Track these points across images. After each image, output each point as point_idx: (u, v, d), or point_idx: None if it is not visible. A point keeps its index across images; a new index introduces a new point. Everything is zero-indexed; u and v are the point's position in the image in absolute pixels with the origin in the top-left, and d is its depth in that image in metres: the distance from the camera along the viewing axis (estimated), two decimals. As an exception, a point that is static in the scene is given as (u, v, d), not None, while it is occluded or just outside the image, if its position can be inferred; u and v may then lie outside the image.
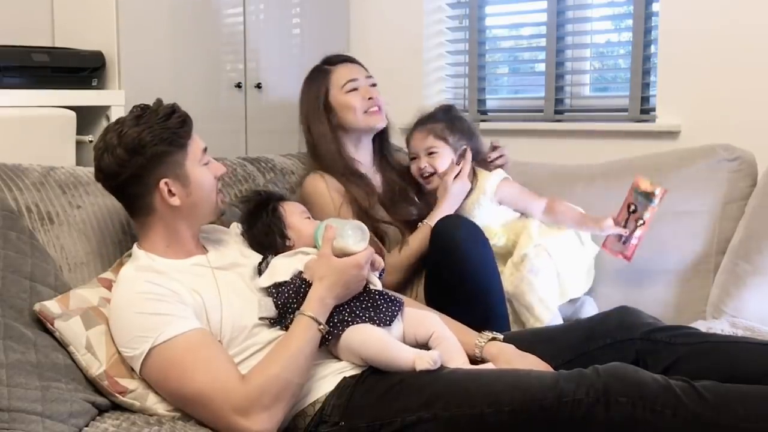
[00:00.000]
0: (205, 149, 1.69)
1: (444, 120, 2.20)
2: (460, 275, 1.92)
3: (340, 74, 2.25)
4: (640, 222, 2.05)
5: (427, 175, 2.19)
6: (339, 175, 2.17)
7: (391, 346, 1.58)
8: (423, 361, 1.51)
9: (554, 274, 2.09)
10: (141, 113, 1.62)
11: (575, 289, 2.14)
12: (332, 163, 2.19)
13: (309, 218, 1.82)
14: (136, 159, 1.58)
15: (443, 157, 2.16)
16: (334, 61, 2.29)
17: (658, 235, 2.25)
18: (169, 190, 1.61)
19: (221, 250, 1.76)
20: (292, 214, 1.81)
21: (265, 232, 1.79)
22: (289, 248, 1.77)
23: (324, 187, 2.15)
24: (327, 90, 2.23)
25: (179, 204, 1.62)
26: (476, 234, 1.97)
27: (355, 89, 2.23)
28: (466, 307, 1.91)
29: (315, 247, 1.73)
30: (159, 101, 1.66)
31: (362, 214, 2.11)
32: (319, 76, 2.26)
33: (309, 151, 2.26)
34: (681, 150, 2.40)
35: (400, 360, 1.54)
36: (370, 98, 2.23)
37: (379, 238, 2.11)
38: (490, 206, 2.16)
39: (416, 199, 2.29)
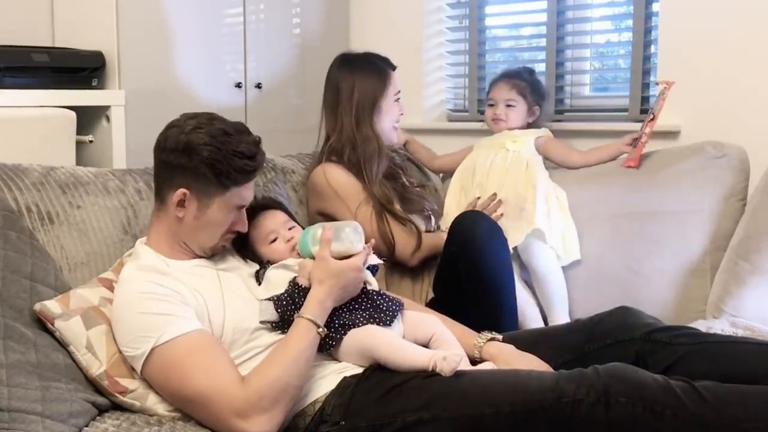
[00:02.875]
0: (243, 206, 1.66)
1: (528, 81, 2.50)
2: (475, 270, 1.93)
3: (395, 82, 2.31)
4: (650, 117, 2.30)
5: (500, 120, 2.47)
6: (367, 175, 2.20)
7: (405, 346, 1.58)
8: (449, 362, 1.48)
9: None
10: (231, 132, 1.59)
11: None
12: (369, 163, 2.20)
13: (276, 239, 1.76)
14: (182, 157, 1.58)
15: (519, 110, 2.47)
16: (390, 65, 2.32)
17: (653, 235, 2.25)
18: (182, 201, 1.60)
19: (224, 252, 1.76)
20: (257, 242, 1.77)
21: (247, 256, 1.78)
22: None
23: (344, 173, 2.20)
24: (385, 92, 2.26)
25: (182, 217, 1.62)
26: (495, 232, 1.98)
27: (398, 100, 2.32)
28: (477, 303, 1.93)
29: (299, 257, 1.71)
30: (254, 137, 1.63)
31: (382, 210, 2.17)
32: (380, 75, 2.28)
33: (346, 142, 2.23)
34: (670, 149, 2.41)
35: (413, 360, 1.53)
36: (401, 114, 2.34)
37: (407, 217, 2.20)
38: (529, 142, 2.44)
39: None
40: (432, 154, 2.70)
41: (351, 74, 2.26)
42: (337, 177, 2.20)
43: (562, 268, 2.30)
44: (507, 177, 2.35)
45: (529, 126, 2.50)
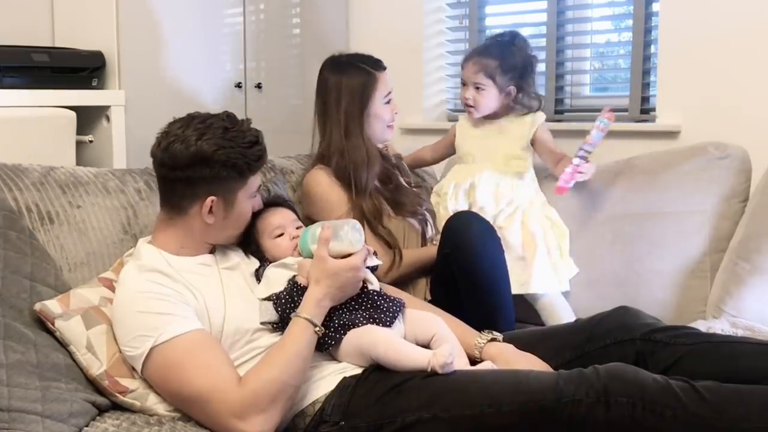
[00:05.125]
0: (260, 187, 1.71)
1: (498, 58, 2.29)
2: (470, 272, 1.92)
3: (385, 84, 2.21)
4: (586, 154, 2.16)
5: (470, 105, 2.33)
6: (357, 185, 2.13)
7: (404, 345, 1.58)
8: (438, 357, 1.50)
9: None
10: (230, 126, 1.61)
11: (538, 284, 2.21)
12: (358, 173, 2.14)
13: (281, 234, 1.76)
14: (201, 169, 1.58)
15: (489, 94, 2.30)
16: (378, 66, 2.22)
17: (653, 236, 2.25)
18: (211, 208, 1.61)
19: (227, 249, 1.76)
20: (262, 234, 1.76)
21: (250, 248, 1.78)
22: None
23: (329, 181, 2.16)
24: (373, 96, 2.18)
25: (212, 223, 1.63)
26: (489, 233, 1.97)
27: (389, 102, 2.23)
28: (473, 304, 1.92)
29: (300, 255, 1.71)
30: (248, 122, 1.66)
31: (363, 224, 2.11)
32: (367, 79, 2.18)
33: (335, 152, 2.17)
34: (672, 150, 2.40)
35: (411, 360, 1.53)
36: (395, 113, 2.26)
37: (390, 237, 2.13)
38: (526, 141, 2.32)
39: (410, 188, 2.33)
40: (419, 153, 2.59)
41: (338, 81, 2.18)
42: (322, 183, 2.16)
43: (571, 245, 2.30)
44: (511, 212, 2.28)
45: (512, 105, 2.35)
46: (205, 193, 1.60)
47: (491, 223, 2.17)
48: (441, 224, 2.21)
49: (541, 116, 2.36)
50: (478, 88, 2.30)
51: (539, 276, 2.21)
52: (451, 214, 2.27)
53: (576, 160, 2.15)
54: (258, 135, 1.65)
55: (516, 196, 2.30)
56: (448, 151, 2.52)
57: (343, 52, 2.28)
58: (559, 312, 2.23)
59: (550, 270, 2.24)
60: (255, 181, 1.67)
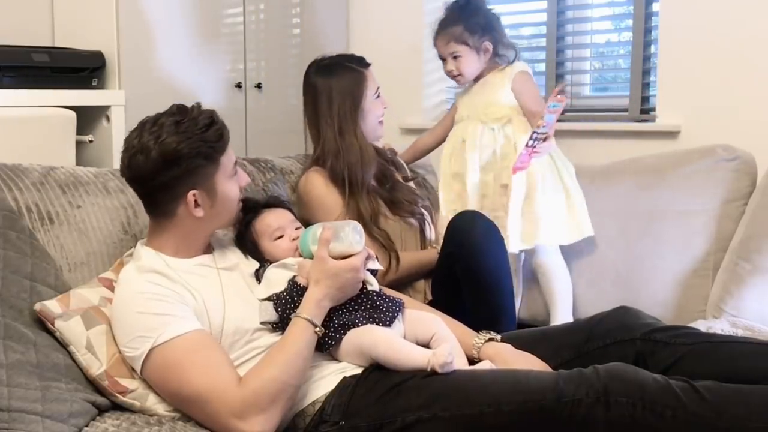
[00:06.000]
0: (236, 162, 1.69)
1: (461, 22, 2.34)
2: (473, 272, 1.92)
3: (373, 80, 2.22)
4: (544, 135, 2.16)
5: (456, 75, 2.38)
6: (353, 184, 2.13)
7: (404, 345, 1.58)
8: (438, 356, 1.50)
9: (517, 216, 2.23)
10: (181, 119, 1.59)
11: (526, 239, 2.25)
12: (354, 172, 2.13)
13: (282, 236, 1.77)
14: (171, 170, 1.56)
15: (467, 58, 2.35)
16: (363, 63, 2.24)
17: (658, 234, 2.25)
18: (196, 202, 1.60)
19: (225, 250, 1.76)
20: (262, 236, 1.77)
21: (248, 250, 1.78)
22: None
23: (325, 183, 2.15)
24: (364, 94, 2.19)
25: (202, 215, 1.62)
26: (492, 232, 1.97)
27: (378, 96, 2.24)
28: (476, 302, 1.92)
29: (301, 256, 1.72)
30: (198, 106, 1.64)
31: (366, 219, 2.11)
32: (357, 77, 2.19)
33: (329, 153, 2.16)
34: (681, 150, 2.41)
35: (411, 360, 1.53)
36: (385, 108, 2.26)
37: (387, 240, 2.12)
38: (506, 88, 2.34)
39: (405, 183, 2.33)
40: (419, 143, 2.60)
41: (327, 83, 2.18)
42: (318, 186, 2.16)
43: (572, 245, 2.30)
44: (499, 168, 2.30)
45: (493, 60, 2.38)
46: (184, 190, 1.59)
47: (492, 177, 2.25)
48: (448, 204, 2.28)
49: (518, 66, 2.37)
50: (455, 57, 2.35)
51: (514, 235, 2.24)
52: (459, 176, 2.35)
53: (530, 142, 2.16)
54: (212, 115, 1.62)
55: (501, 145, 2.30)
56: (449, 129, 2.51)
57: (325, 55, 2.27)
58: (552, 270, 2.28)
59: (519, 227, 2.24)
60: (228, 159, 1.64)
